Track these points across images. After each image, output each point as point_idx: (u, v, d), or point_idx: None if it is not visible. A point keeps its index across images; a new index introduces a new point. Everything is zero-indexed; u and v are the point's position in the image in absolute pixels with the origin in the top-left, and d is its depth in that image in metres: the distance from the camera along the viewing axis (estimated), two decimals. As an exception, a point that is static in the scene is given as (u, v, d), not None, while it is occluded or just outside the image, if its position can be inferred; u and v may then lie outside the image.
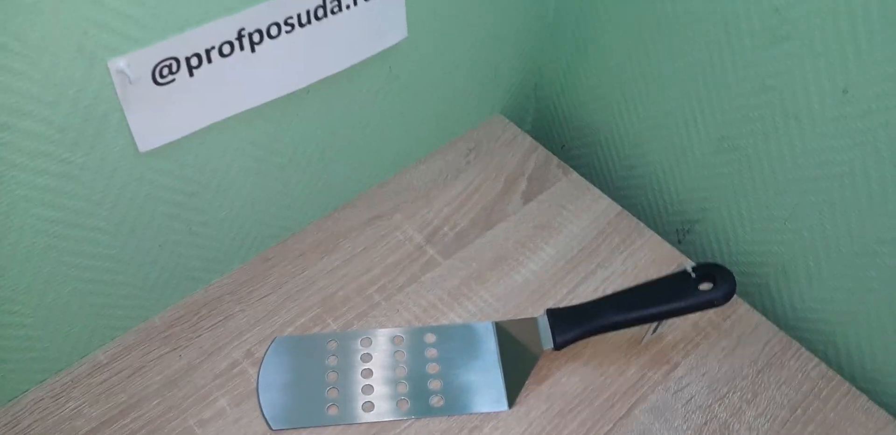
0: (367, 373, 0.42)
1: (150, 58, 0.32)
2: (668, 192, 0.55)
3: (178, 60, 0.33)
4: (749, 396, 0.44)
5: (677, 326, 0.47)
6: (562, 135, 0.64)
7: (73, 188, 0.33)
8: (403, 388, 0.42)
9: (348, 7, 0.39)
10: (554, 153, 0.58)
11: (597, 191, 0.55)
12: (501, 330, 0.45)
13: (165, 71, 0.33)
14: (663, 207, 0.56)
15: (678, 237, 0.56)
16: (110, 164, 0.34)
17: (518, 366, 0.43)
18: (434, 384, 0.42)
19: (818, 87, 0.40)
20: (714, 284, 0.42)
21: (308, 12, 0.37)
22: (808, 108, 0.41)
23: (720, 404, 0.43)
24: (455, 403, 0.42)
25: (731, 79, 0.44)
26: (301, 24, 0.37)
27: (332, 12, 0.39)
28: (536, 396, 0.43)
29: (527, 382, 0.43)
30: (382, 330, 0.44)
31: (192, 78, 0.35)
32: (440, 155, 0.57)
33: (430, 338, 0.44)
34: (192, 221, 0.41)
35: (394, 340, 0.44)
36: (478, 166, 0.56)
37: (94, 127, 0.32)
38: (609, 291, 0.48)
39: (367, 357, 0.43)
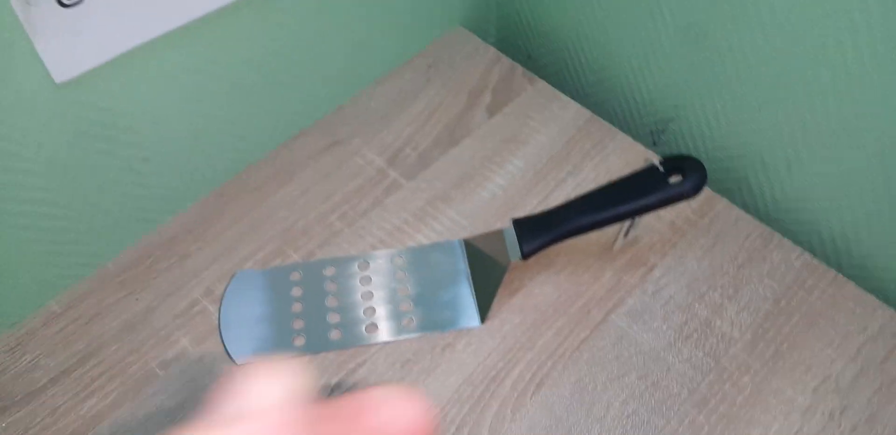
0: (333, 301, 0.42)
1: None
2: (640, 91, 0.53)
3: None
4: (730, 292, 0.43)
5: (653, 228, 0.46)
6: (527, 44, 0.61)
7: (-12, 127, 0.32)
8: (371, 312, 0.42)
9: None
10: (520, 64, 0.56)
11: (565, 98, 0.53)
12: (470, 246, 0.44)
13: None
14: (636, 109, 0.55)
15: (653, 139, 0.54)
16: (27, 99, 0.33)
17: (488, 280, 0.43)
18: (403, 306, 0.42)
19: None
20: (683, 176, 0.40)
21: None
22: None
23: (700, 302, 0.43)
24: (425, 324, 0.41)
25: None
26: None
27: None
28: (509, 309, 0.42)
29: (498, 295, 0.43)
30: (346, 257, 0.44)
31: None
32: (398, 74, 0.55)
33: (397, 260, 0.44)
34: (132, 158, 0.40)
35: (358, 265, 0.44)
36: (438, 83, 0.54)
37: (2, 60, 0.31)
38: (581, 199, 0.47)
39: (331, 285, 0.43)
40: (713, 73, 0.46)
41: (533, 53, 0.61)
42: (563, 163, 0.50)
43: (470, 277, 0.43)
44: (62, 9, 0.31)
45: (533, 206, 0.47)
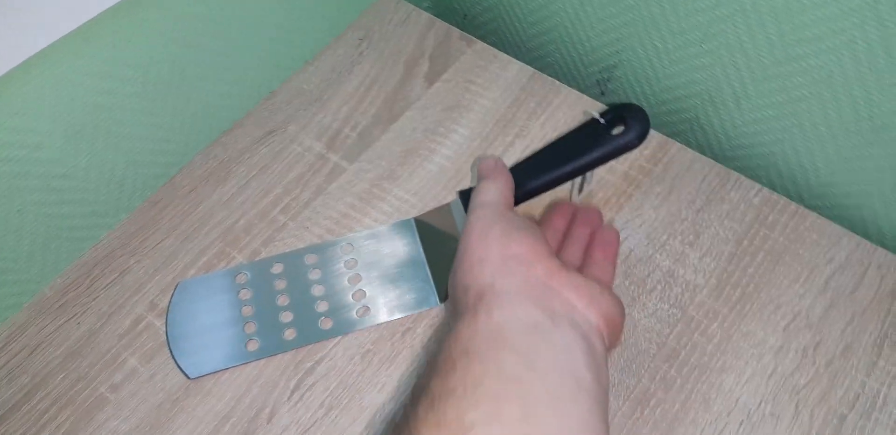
0: (284, 299, 0.42)
1: None
2: (580, 41, 0.52)
3: None
4: (691, 238, 0.43)
5: (607, 181, 0.45)
6: (461, 3, 0.59)
7: None
8: (324, 306, 0.41)
9: None
10: (457, 26, 0.54)
11: (505, 57, 0.52)
12: (421, 224, 0.44)
13: None
14: (579, 60, 0.53)
15: (601, 89, 0.53)
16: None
17: (443, 257, 0.42)
18: (356, 295, 0.42)
19: None
20: (626, 126, 0.39)
21: None
22: None
23: (661, 253, 0.42)
24: (382, 311, 0.41)
25: None
26: None
27: None
28: (467, 282, 0.42)
29: (454, 270, 0.42)
30: (292, 251, 0.43)
31: None
32: (329, 51, 0.53)
33: (347, 249, 0.43)
34: (49, 176, 0.40)
35: (306, 259, 0.43)
36: (372, 56, 0.53)
37: None
38: (529, 161, 0.46)
39: (280, 283, 0.43)
40: (650, 11, 0.45)
41: (469, 12, 0.59)
42: (509, 125, 0.49)
43: (424, 257, 0.43)
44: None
45: (480, 174, 0.46)
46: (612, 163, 0.46)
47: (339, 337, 0.41)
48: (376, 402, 0.38)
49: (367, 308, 0.41)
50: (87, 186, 0.42)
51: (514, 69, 0.51)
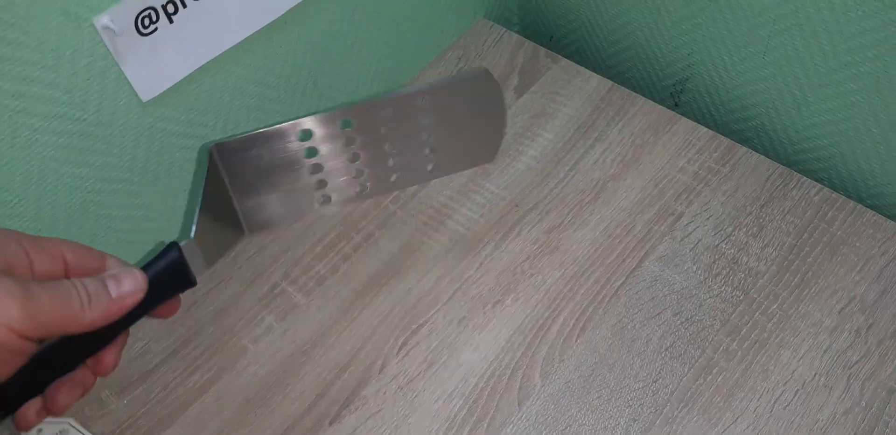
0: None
1: (129, 10, 0.38)
2: (655, 56, 0.58)
3: (155, 9, 0.39)
4: (755, 231, 0.48)
5: (677, 179, 0.51)
6: (548, 26, 0.67)
7: (92, 144, 0.41)
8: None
9: None
10: (545, 45, 0.62)
11: (587, 71, 0.59)
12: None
13: (147, 21, 0.39)
14: (654, 73, 0.59)
15: (674, 100, 0.59)
16: (120, 118, 0.41)
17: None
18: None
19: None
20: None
21: None
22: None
23: (727, 242, 0.48)
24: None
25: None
26: None
27: None
28: (550, 265, 0.48)
29: (539, 253, 0.48)
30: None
31: (173, 24, 0.40)
32: (431, 68, 0.62)
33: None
34: (207, 164, 0.49)
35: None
36: (467, 72, 0.61)
37: (96, 84, 0.39)
38: (609, 162, 0.52)
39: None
40: (716, 28, 0.51)
41: (555, 35, 0.67)
42: (589, 131, 0.55)
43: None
44: (142, 37, 0.40)
45: (564, 172, 0.53)
46: (683, 163, 0.52)
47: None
48: (470, 360, 0.45)
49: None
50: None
51: (594, 82, 0.58)
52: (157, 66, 0.41)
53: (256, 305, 0.49)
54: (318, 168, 0.41)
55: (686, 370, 0.43)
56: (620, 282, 0.47)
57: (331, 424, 0.44)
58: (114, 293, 0.31)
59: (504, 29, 0.63)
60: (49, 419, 0.35)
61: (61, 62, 0.37)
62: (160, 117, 0.43)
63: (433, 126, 0.43)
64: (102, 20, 0.37)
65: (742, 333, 0.44)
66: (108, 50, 0.38)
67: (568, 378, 0.44)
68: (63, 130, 0.39)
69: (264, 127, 0.39)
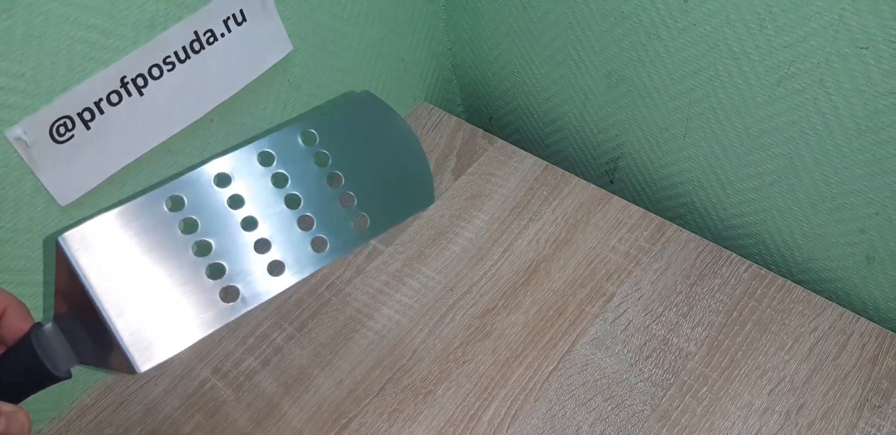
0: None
1: (43, 121, 0.39)
2: (587, 136, 0.59)
3: (70, 118, 0.40)
4: (685, 310, 0.48)
5: (609, 259, 0.51)
6: (488, 107, 0.69)
7: (11, 250, 0.41)
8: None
9: (223, 35, 0.44)
10: (483, 127, 0.63)
11: (522, 152, 0.60)
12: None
13: (62, 129, 0.40)
14: (588, 152, 0.61)
15: (609, 178, 0.60)
16: (39, 223, 0.42)
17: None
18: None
19: (664, 2, 0.44)
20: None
21: (184, 48, 0.42)
22: (663, 24, 0.45)
23: (657, 323, 0.47)
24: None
25: (595, 16, 0.49)
26: (181, 60, 0.43)
27: (209, 43, 0.44)
28: (483, 350, 0.48)
29: (471, 337, 0.48)
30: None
31: (90, 130, 0.41)
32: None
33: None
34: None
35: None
36: (408, 155, 0.62)
37: (12, 193, 0.40)
38: (542, 242, 0.53)
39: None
40: (638, 110, 0.53)
41: (494, 115, 0.69)
42: (524, 211, 0.56)
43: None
44: (57, 145, 0.40)
45: (499, 254, 0.53)
46: (614, 242, 0.53)
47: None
48: (399, 455, 0.44)
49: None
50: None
51: (529, 162, 0.59)
52: (75, 171, 0.42)
53: (186, 402, 0.48)
54: (207, 247, 0.29)
55: (618, 460, 0.42)
56: (552, 367, 0.47)
57: None
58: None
59: (443, 112, 0.64)
60: None
61: (-28, 175, 0.38)
62: (80, 220, 0.44)
63: (339, 167, 0.31)
64: (15, 132, 0.38)
65: (672, 418, 0.43)
66: (21, 159, 0.39)
67: (498, 472, 0.43)
68: (-22, 239, 0.40)
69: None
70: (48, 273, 0.44)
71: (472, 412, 0.45)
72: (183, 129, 0.46)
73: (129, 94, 0.42)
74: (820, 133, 0.42)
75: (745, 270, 0.49)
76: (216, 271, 0.29)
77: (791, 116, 0.43)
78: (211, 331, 0.29)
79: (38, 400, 0.42)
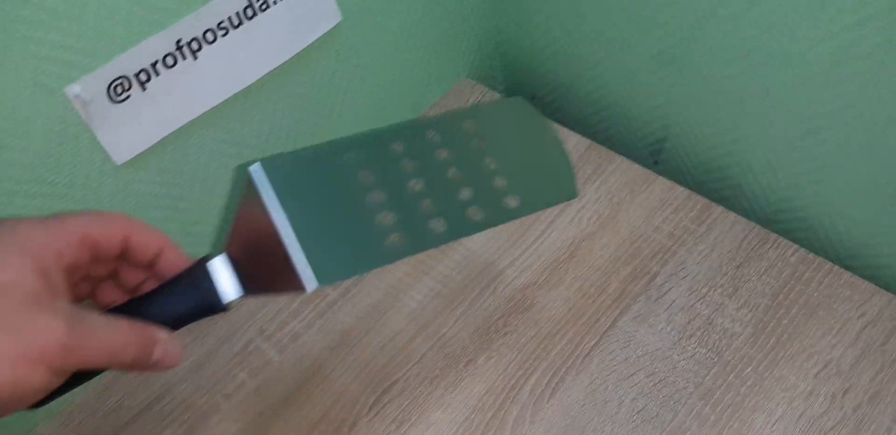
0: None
1: (101, 80, 0.39)
2: (632, 116, 0.59)
3: (127, 78, 0.41)
4: (730, 291, 0.47)
5: (653, 239, 0.51)
6: (531, 85, 0.68)
7: (66, 206, 0.42)
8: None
9: (275, 2, 0.45)
10: (527, 104, 0.63)
11: (566, 130, 0.59)
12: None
13: (119, 89, 0.41)
14: (633, 133, 0.60)
15: (654, 159, 0.60)
16: (94, 180, 0.42)
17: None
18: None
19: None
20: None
21: (237, 14, 0.43)
22: (720, 3, 0.44)
23: (702, 303, 0.47)
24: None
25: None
26: (234, 26, 0.44)
27: (261, 10, 0.45)
28: (524, 323, 0.48)
29: (512, 311, 0.48)
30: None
31: (146, 91, 0.42)
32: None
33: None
34: (186, 222, 0.49)
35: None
36: (450, 130, 0.62)
37: (69, 149, 0.40)
38: (585, 220, 0.52)
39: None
40: (689, 91, 0.52)
41: (537, 93, 0.68)
42: (567, 189, 0.56)
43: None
44: (114, 104, 0.41)
45: (541, 230, 0.53)
46: (658, 222, 0.52)
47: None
48: (441, 420, 0.44)
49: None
50: (212, 231, 0.52)
51: (573, 141, 0.59)
52: (131, 131, 0.42)
53: (231, 361, 0.49)
54: (379, 200, 0.33)
55: (658, 434, 0.42)
56: (594, 342, 0.47)
57: (296, 487, 0.43)
58: (154, 358, 0.30)
59: (486, 88, 0.64)
60: None
61: (33, 129, 0.38)
62: (135, 179, 0.44)
63: (494, 154, 0.36)
64: (74, 90, 0.38)
65: (715, 396, 0.43)
66: (79, 117, 0.39)
67: (538, 442, 0.43)
68: (39, 193, 0.40)
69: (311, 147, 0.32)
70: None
71: (513, 382, 0.45)
72: (234, 95, 0.46)
73: (184, 57, 0.42)
74: (877, 117, 0.41)
75: (793, 254, 0.48)
76: (385, 220, 0.32)
77: (848, 99, 0.42)
78: (375, 268, 0.32)
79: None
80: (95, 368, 0.29)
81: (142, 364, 0.30)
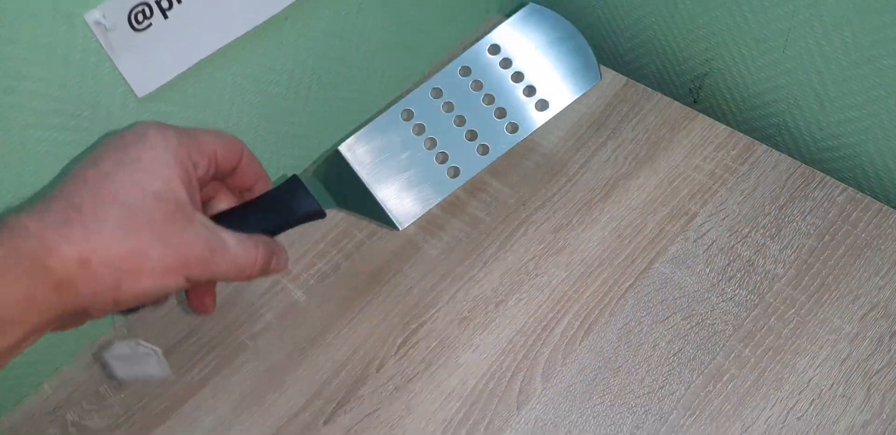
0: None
1: (122, 6, 0.37)
2: (672, 51, 0.56)
3: (149, 5, 0.39)
4: (773, 232, 0.45)
5: (692, 178, 0.49)
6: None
7: (88, 140, 0.40)
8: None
9: None
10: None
11: (602, 67, 0.56)
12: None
13: (140, 16, 0.39)
14: (672, 69, 0.57)
15: (693, 97, 0.57)
16: (116, 113, 0.41)
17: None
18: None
19: None
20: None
21: None
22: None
23: (743, 244, 0.45)
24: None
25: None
26: None
27: None
28: (556, 265, 0.47)
29: (544, 252, 0.47)
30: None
31: (168, 20, 0.40)
32: (441, 64, 0.60)
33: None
34: (210, 160, 0.48)
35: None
36: (479, 68, 0.59)
37: (90, 80, 0.39)
38: (621, 160, 0.50)
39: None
40: (734, 21, 0.49)
41: (570, 29, 0.65)
42: (602, 128, 0.53)
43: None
44: (135, 33, 0.39)
45: (574, 170, 0.51)
46: (698, 161, 0.50)
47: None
48: (470, 361, 0.44)
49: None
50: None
51: (608, 78, 0.56)
52: (153, 61, 0.40)
53: (257, 301, 0.48)
54: (433, 142, 0.42)
55: (695, 377, 0.41)
56: (629, 284, 0.45)
57: (325, 423, 0.42)
58: (271, 269, 0.34)
59: (518, 25, 0.61)
60: (142, 343, 0.38)
61: (53, 58, 0.36)
62: (157, 113, 0.43)
63: (520, 67, 0.43)
64: (94, 15, 0.36)
65: (756, 339, 0.42)
66: (100, 45, 0.38)
67: (570, 382, 0.42)
68: (58, 126, 0.39)
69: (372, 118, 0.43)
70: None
71: (544, 323, 0.44)
72: (258, 26, 0.44)
73: (208, -17, 0.40)
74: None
75: (840, 194, 0.46)
76: (442, 157, 0.43)
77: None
78: (444, 196, 0.42)
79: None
80: (222, 280, 0.32)
81: (260, 276, 0.33)
